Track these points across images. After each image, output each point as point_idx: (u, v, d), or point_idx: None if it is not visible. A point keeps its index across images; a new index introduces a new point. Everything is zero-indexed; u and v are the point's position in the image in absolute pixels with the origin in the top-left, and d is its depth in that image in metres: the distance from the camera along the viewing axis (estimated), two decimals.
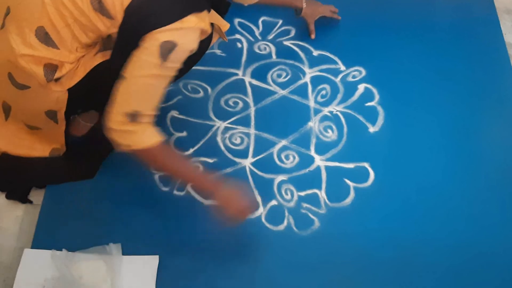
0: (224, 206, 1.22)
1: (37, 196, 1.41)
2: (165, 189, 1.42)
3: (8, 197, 1.40)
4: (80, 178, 1.42)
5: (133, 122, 1.12)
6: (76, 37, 1.15)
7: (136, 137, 1.14)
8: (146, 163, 1.21)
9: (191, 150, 1.49)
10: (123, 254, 1.29)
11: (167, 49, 1.08)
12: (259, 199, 1.41)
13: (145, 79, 1.11)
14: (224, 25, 1.28)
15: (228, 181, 1.24)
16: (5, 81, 1.21)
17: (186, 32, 1.10)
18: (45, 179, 1.42)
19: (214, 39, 1.30)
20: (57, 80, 1.19)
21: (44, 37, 1.14)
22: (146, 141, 1.14)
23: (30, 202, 1.40)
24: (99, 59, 1.19)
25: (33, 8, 1.13)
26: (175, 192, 1.42)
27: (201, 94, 1.60)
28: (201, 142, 1.51)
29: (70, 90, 1.22)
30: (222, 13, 1.31)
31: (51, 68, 1.17)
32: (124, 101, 1.12)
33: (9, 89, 1.22)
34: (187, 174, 1.26)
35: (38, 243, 1.31)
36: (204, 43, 1.25)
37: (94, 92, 1.20)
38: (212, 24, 1.22)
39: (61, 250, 1.28)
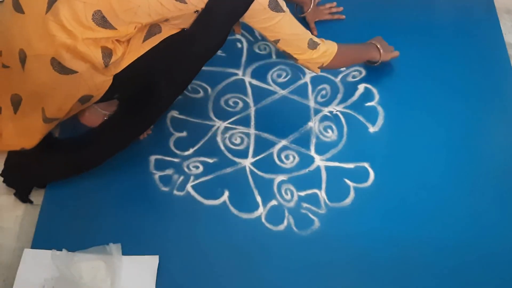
0: (385, 50, 1.57)
1: (37, 196, 1.40)
2: (165, 189, 1.42)
3: (17, 194, 1.40)
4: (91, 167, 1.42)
5: (314, 48, 1.36)
6: (138, 17, 1.17)
7: (327, 52, 1.38)
8: (338, 64, 1.50)
9: (191, 150, 1.49)
10: (123, 254, 1.29)
11: (274, 4, 1.24)
12: (259, 199, 1.41)
13: (287, 25, 1.30)
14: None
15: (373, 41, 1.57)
16: (45, 67, 1.20)
17: None
18: (59, 172, 1.42)
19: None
20: (107, 65, 1.20)
21: (102, 20, 1.16)
22: (333, 49, 1.39)
23: (31, 202, 1.40)
24: (147, 47, 1.23)
25: None
26: (175, 192, 1.42)
27: (201, 94, 1.60)
28: (201, 142, 1.51)
29: (114, 76, 1.24)
30: None
31: (107, 52, 1.18)
32: (297, 43, 1.34)
33: (48, 75, 1.21)
34: (360, 54, 1.58)
35: (38, 243, 1.31)
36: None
37: (134, 81, 1.24)
38: None
39: (61, 250, 1.28)
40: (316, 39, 1.36)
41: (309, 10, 1.70)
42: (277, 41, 1.32)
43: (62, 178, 1.41)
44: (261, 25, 1.28)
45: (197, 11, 1.22)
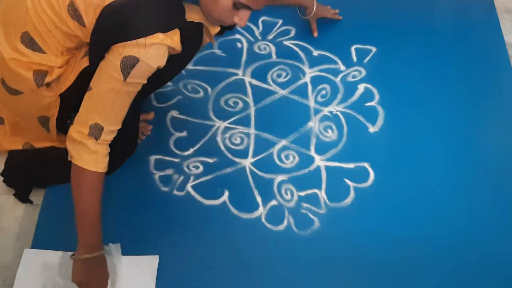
0: (77, 270, 1.18)
1: (37, 196, 1.40)
2: (165, 189, 1.42)
3: (16, 194, 1.40)
4: None
5: (91, 137, 1.12)
6: (60, 42, 1.16)
7: (83, 153, 1.12)
8: (72, 179, 1.15)
9: (191, 150, 1.49)
10: (123, 254, 1.29)
11: (128, 64, 1.07)
12: (259, 199, 1.41)
13: (109, 93, 1.10)
14: (214, 28, 1.25)
15: (97, 259, 1.19)
16: (0, 87, 1.22)
17: (150, 48, 1.07)
18: (61, 175, 1.41)
19: (205, 42, 1.28)
20: (48, 85, 1.21)
21: (30, 42, 1.15)
22: (85, 163, 1.12)
23: (30, 202, 1.40)
24: (85, 62, 1.18)
25: (18, 14, 1.13)
26: (175, 192, 1.42)
27: (201, 94, 1.60)
28: (201, 142, 1.51)
29: (62, 96, 1.23)
30: (225, 29, 1.30)
31: (41, 73, 1.18)
32: (89, 112, 1.12)
33: (3, 95, 1.24)
34: (90, 217, 1.17)
35: (38, 243, 1.31)
36: (193, 45, 1.25)
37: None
38: (200, 25, 1.21)
39: (61, 250, 1.28)
40: (108, 137, 1.13)
41: (312, 12, 1.69)
42: (89, 89, 1.13)
43: (64, 181, 1.41)
44: (103, 64, 1.11)
45: None
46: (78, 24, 1.12)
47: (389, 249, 1.34)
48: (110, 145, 1.17)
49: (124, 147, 1.40)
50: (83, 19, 1.11)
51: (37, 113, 1.28)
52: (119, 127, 1.15)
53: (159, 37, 1.07)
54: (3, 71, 1.19)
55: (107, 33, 1.08)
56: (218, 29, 1.25)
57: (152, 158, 1.47)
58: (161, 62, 1.10)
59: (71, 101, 1.24)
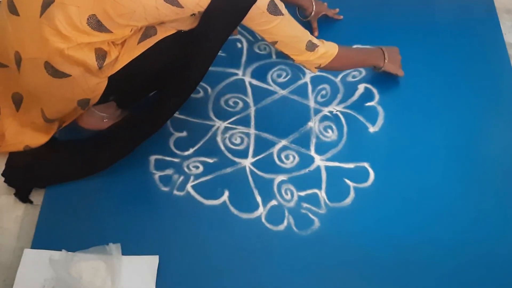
0: (392, 61, 1.55)
1: (37, 196, 1.40)
2: (165, 189, 1.42)
3: (17, 194, 1.40)
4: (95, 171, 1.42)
5: (312, 50, 1.35)
6: (135, 21, 1.17)
7: (326, 55, 1.37)
8: (338, 66, 1.48)
9: (191, 150, 1.49)
10: (123, 254, 1.29)
11: (272, 7, 1.23)
12: (259, 199, 1.41)
13: (285, 27, 1.29)
14: None
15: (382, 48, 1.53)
16: (39, 70, 1.20)
17: None
18: (63, 174, 1.43)
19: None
20: (101, 67, 1.20)
21: (97, 24, 1.15)
22: (332, 52, 1.38)
23: (30, 202, 1.40)
24: (141, 48, 1.22)
25: None
26: (175, 192, 1.42)
27: (201, 94, 1.60)
28: (201, 142, 1.51)
29: (109, 78, 1.24)
30: None
31: (101, 54, 1.19)
32: (295, 44, 1.34)
33: (42, 78, 1.21)
34: (363, 59, 1.55)
35: (38, 243, 1.31)
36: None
37: (130, 81, 1.24)
38: None
39: (61, 250, 1.28)
40: (315, 41, 1.35)
41: (312, 12, 1.69)
42: (275, 43, 1.32)
43: (65, 181, 1.41)
44: (260, 28, 1.28)
45: (193, 14, 1.21)
46: (172, 6, 1.16)
47: (389, 249, 1.34)
48: (108, 141, 1.30)
49: (122, 146, 1.41)
50: (179, 2, 1.16)
51: (79, 96, 1.27)
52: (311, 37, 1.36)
53: None
54: (54, 54, 1.17)
55: (232, 5, 1.22)
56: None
57: (152, 158, 1.47)
58: None
59: (115, 84, 1.25)
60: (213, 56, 1.31)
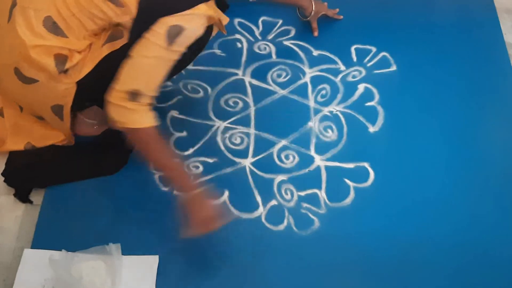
0: (191, 210, 1.21)
1: (37, 196, 1.40)
2: (165, 189, 1.42)
3: (16, 194, 1.40)
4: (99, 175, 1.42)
5: (132, 100, 1.15)
6: (83, 25, 1.16)
7: (132, 116, 1.16)
8: (135, 144, 1.22)
9: (191, 150, 1.49)
10: (123, 254, 1.29)
11: (174, 33, 1.12)
12: (259, 199, 1.41)
13: (150, 59, 1.15)
14: (224, 19, 1.30)
15: (205, 189, 1.22)
16: (11, 77, 1.21)
17: (194, 17, 1.14)
18: (63, 174, 1.43)
19: (214, 32, 1.32)
20: (66, 72, 1.20)
21: (53, 27, 1.15)
22: (140, 122, 1.17)
23: (30, 202, 1.40)
24: (106, 50, 1.20)
25: None
26: (175, 192, 1.42)
27: (201, 94, 1.60)
28: (201, 142, 1.51)
29: (78, 83, 1.23)
30: (223, 10, 1.32)
31: (61, 58, 1.18)
32: (128, 79, 1.15)
33: (15, 84, 1.22)
34: (170, 165, 1.25)
35: (38, 243, 1.31)
36: (204, 37, 1.25)
37: (102, 85, 1.21)
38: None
39: (61, 250, 1.28)
40: (146, 100, 1.15)
41: (312, 12, 1.69)
42: (129, 56, 1.15)
43: (65, 182, 1.41)
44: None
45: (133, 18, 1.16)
46: (111, 3, 1.14)
47: (389, 249, 1.34)
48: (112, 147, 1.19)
49: (127, 146, 1.40)
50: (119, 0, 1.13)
51: (51, 102, 1.27)
52: (156, 94, 1.18)
53: (203, 7, 1.14)
54: (19, 60, 1.18)
55: (153, 9, 1.12)
56: (227, 19, 1.31)
57: None
58: (201, 31, 1.17)
59: (87, 88, 1.24)
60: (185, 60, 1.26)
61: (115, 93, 1.15)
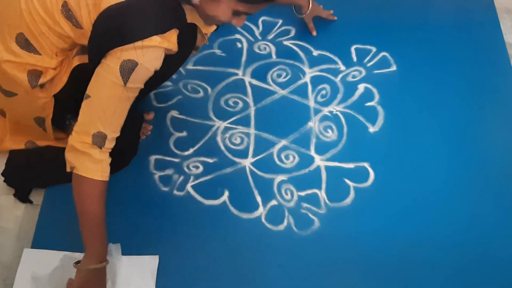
0: (80, 278, 1.14)
1: (37, 196, 1.40)
2: (165, 189, 1.42)
3: (16, 194, 1.40)
4: None
5: (95, 146, 1.10)
6: (53, 43, 1.17)
7: (87, 163, 1.10)
8: (74, 193, 1.13)
9: (191, 150, 1.49)
10: (123, 254, 1.29)
11: (128, 68, 1.06)
12: (259, 199, 1.41)
13: (110, 99, 1.09)
14: (208, 28, 1.25)
15: (97, 273, 1.16)
16: None
17: (147, 51, 1.07)
18: (63, 174, 1.42)
19: (199, 42, 1.28)
20: (42, 86, 1.21)
21: (25, 43, 1.16)
22: (91, 173, 1.10)
23: (30, 202, 1.40)
24: (76, 62, 1.21)
25: (13, 15, 1.14)
26: (175, 192, 1.42)
27: (201, 94, 1.60)
28: (201, 142, 1.51)
29: (56, 96, 1.24)
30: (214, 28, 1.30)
31: (35, 74, 1.19)
32: (90, 121, 1.10)
33: (0, 96, 1.25)
34: (96, 231, 1.15)
35: (38, 243, 1.31)
36: (189, 46, 1.25)
37: (79, 97, 1.17)
38: (195, 26, 1.21)
39: (61, 250, 1.28)
40: (109, 145, 1.12)
41: (308, 11, 1.70)
42: (87, 97, 1.11)
43: (65, 182, 1.41)
44: (99, 69, 1.10)
45: None
46: (72, 25, 1.13)
47: (389, 249, 1.34)
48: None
49: (129, 150, 1.41)
50: (78, 20, 1.12)
51: (33, 114, 1.29)
52: (119, 134, 1.13)
53: (156, 40, 1.07)
54: None
55: (105, 37, 1.08)
56: (212, 28, 1.27)
57: (152, 158, 1.47)
58: (158, 64, 1.10)
59: (65, 101, 1.25)
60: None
61: (78, 137, 1.10)
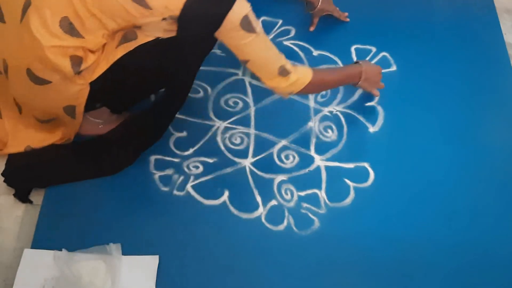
0: (368, 80, 1.50)
1: (37, 196, 1.40)
2: (165, 189, 1.42)
3: (16, 194, 1.40)
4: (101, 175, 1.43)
5: (285, 76, 1.29)
6: (104, 24, 1.15)
7: (298, 82, 1.31)
8: (312, 91, 1.50)
9: (191, 150, 1.49)
10: (123, 254, 1.29)
11: (246, 22, 1.19)
12: (259, 199, 1.42)
13: (261, 51, 1.26)
14: None
15: (360, 63, 1.48)
16: (22, 77, 1.20)
17: (237, 4, 1.18)
18: (63, 175, 1.43)
19: None
20: (80, 73, 1.19)
21: (69, 27, 1.14)
22: (304, 80, 1.31)
23: (30, 202, 1.40)
24: (120, 52, 1.20)
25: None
26: (175, 192, 1.42)
27: (201, 94, 1.60)
28: (201, 142, 1.51)
29: (92, 84, 1.23)
30: None
31: (77, 60, 1.17)
32: (267, 71, 1.29)
33: (26, 85, 1.21)
34: (341, 79, 1.49)
35: (38, 243, 1.31)
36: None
37: (114, 86, 1.21)
38: None
39: (61, 250, 1.28)
40: (288, 66, 1.29)
41: (318, 7, 1.68)
42: (246, 62, 1.27)
43: (65, 182, 1.41)
44: (232, 43, 1.23)
45: (164, 19, 1.16)
46: (138, 5, 1.12)
47: (389, 249, 1.34)
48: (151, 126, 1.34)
49: (162, 127, 1.46)
50: (147, 2, 1.12)
51: (64, 103, 1.27)
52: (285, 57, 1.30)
53: None
54: (33, 60, 1.17)
55: (203, 16, 1.16)
56: None
57: (152, 158, 1.47)
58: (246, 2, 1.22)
59: (99, 89, 1.24)
60: (196, 65, 1.32)
61: (272, 83, 1.30)
